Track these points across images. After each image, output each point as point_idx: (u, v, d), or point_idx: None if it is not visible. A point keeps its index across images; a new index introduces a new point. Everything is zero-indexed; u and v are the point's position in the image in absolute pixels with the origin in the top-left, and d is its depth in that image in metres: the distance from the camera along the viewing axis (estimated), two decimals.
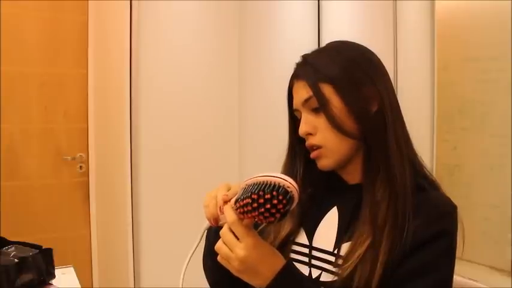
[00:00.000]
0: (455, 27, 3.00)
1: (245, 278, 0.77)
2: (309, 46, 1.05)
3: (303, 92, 0.85)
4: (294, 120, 0.91)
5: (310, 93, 0.84)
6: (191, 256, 0.82)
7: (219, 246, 0.77)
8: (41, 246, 1.36)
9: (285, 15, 2.51)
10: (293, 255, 0.89)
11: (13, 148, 2.46)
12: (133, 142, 2.10)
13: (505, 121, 2.71)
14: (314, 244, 0.87)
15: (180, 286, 0.83)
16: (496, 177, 2.80)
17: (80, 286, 1.37)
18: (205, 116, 2.29)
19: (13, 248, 1.36)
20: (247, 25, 2.39)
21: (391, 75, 0.90)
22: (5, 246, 1.36)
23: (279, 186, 0.70)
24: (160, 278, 2.11)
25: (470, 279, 1.14)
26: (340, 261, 0.81)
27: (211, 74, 2.31)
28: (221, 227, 0.78)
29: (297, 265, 0.84)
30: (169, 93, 2.21)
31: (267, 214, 0.70)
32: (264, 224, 0.76)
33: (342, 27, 2.57)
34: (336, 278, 0.80)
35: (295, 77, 0.89)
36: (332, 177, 0.92)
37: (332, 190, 0.91)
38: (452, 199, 0.84)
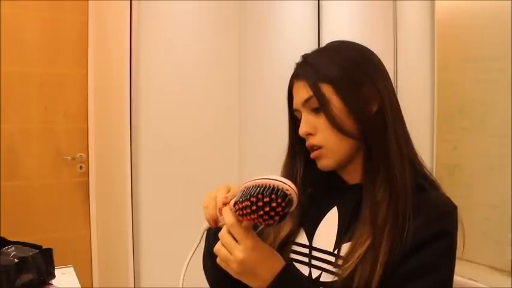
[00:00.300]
0: (455, 27, 3.00)
1: (244, 280, 0.77)
2: (309, 46, 1.05)
3: (303, 92, 0.85)
4: (294, 120, 0.91)
5: (311, 93, 0.84)
6: (191, 257, 0.82)
7: (218, 248, 0.77)
8: (41, 246, 1.36)
9: (285, 15, 2.51)
10: (293, 256, 0.89)
11: (13, 148, 2.46)
12: (133, 142, 2.10)
13: (505, 121, 2.71)
14: (314, 244, 0.87)
15: (180, 286, 0.83)
16: (496, 177, 2.80)
17: (80, 286, 1.37)
18: (205, 116, 2.29)
19: (13, 248, 1.36)
20: (247, 25, 2.39)
21: (391, 75, 0.90)
22: (5, 246, 1.36)
23: (278, 189, 0.70)
24: (160, 278, 2.11)
25: (470, 279, 1.14)
26: (340, 262, 0.81)
27: (211, 74, 2.31)
28: (221, 228, 0.78)
29: (297, 265, 0.84)
30: (169, 93, 2.21)
31: (266, 217, 0.70)
32: (262, 226, 0.76)
33: (342, 27, 2.57)
34: (336, 278, 0.80)
35: (295, 77, 0.89)
36: (332, 177, 0.92)
37: (332, 190, 0.91)
38: (452, 199, 0.83)
